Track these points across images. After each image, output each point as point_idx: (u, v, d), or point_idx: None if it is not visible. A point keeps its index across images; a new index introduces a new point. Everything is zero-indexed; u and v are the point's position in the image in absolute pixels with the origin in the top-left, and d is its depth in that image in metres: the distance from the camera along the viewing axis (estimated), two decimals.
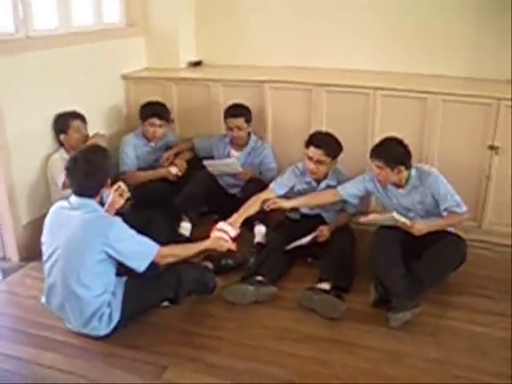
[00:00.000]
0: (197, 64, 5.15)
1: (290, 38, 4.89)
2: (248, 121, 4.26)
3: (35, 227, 3.76)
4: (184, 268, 3.14)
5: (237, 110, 4.26)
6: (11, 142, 3.76)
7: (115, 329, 2.98)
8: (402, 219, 3.30)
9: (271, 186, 3.84)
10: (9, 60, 3.70)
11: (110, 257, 2.90)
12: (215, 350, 2.92)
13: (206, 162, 4.28)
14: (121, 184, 3.35)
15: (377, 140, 4.01)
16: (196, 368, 2.78)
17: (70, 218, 2.93)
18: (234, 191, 4.33)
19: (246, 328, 3.10)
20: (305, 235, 3.69)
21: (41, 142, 4.04)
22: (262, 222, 3.96)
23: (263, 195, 3.78)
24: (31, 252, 3.88)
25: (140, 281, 3.02)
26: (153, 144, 4.48)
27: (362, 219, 3.47)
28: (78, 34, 4.40)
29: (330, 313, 3.14)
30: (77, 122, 4.02)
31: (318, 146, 3.68)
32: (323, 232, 3.66)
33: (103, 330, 2.96)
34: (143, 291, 3.04)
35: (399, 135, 3.53)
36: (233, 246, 3.35)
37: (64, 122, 4.02)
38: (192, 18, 5.15)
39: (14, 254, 3.95)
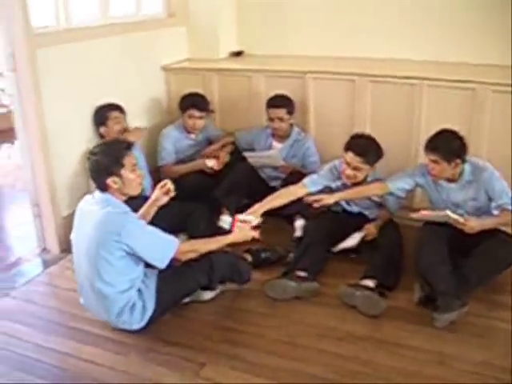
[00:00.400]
0: (238, 54, 5.08)
1: (333, 27, 4.77)
2: (290, 112, 4.17)
3: None
4: (217, 255, 3.07)
5: (279, 101, 4.17)
6: (51, 135, 3.76)
7: (150, 321, 2.94)
8: (456, 217, 3.16)
9: (304, 181, 3.69)
10: (49, 52, 3.69)
11: (130, 253, 2.85)
12: (254, 347, 2.85)
13: (246, 154, 4.22)
14: (167, 182, 3.29)
15: (423, 132, 3.93)
16: (234, 365, 2.72)
17: (91, 214, 2.89)
18: (275, 184, 4.24)
19: (286, 325, 3.03)
20: (346, 228, 3.59)
21: (81, 134, 4.03)
22: (303, 215, 3.87)
23: (293, 188, 3.65)
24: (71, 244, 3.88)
25: (172, 269, 2.96)
26: (193, 136, 4.43)
27: (413, 215, 3.34)
28: (118, 25, 4.38)
29: (370, 310, 3.04)
30: (116, 113, 3.99)
31: (357, 154, 3.52)
32: (370, 230, 3.55)
33: (136, 323, 2.93)
34: (176, 279, 2.99)
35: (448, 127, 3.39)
36: (257, 235, 3.24)
37: (103, 114, 3.99)
38: (234, 7, 5.08)
39: (54, 246, 3.96)
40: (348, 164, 3.56)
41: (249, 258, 3.54)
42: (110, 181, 2.89)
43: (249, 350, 2.84)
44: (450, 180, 3.35)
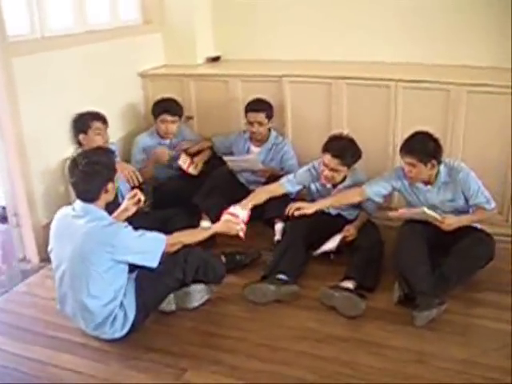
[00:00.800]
0: (215, 59, 5.10)
1: (308, 32, 4.80)
2: (269, 116, 4.19)
3: None
4: (190, 249, 3.09)
5: (258, 105, 4.19)
6: (29, 143, 3.74)
7: (132, 327, 2.94)
8: (433, 214, 3.20)
9: (282, 180, 3.75)
10: (25, 60, 3.68)
11: (120, 262, 2.85)
12: (235, 351, 2.86)
13: (226, 158, 4.23)
14: (137, 192, 3.30)
15: (399, 134, 3.97)
16: (216, 370, 2.72)
17: (74, 226, 2.86)
18: (254, 187, 4.24)
19: (266, 328, 3.04)
20: (325, 230, 3.61)
21: (59, 141, 4.01)
22: (283, 219, 3.88)
23: (271, 187, 3.72)
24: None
25: (148, 270, 2.95)
26: (167, 142, 4.41)
27: (391, 214, 3.37)
28: (94, 33, 4.38)
29: (349, 311, 3.06)
30: (98, 124, 3.94)
31: (334, 156, 3.56)
32: (350, 231, 3.57)
33: (118, 332, 2.92)
34: (154, 278, 2.97)
35: (422, 129, 3.42)
36: (242, 232, 3.28)
37: (85, 122, 3.95)
38: (209, 12, 5.09)
39: (33, 255, 3.94)
40: (326, 165, 3.58)
41: (223, 259, 3.53)
42: (109, 187, 2.91)
43: (230, 354, 2.84)
44: (427, 182, 3.38)
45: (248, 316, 3.15)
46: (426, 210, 3.21)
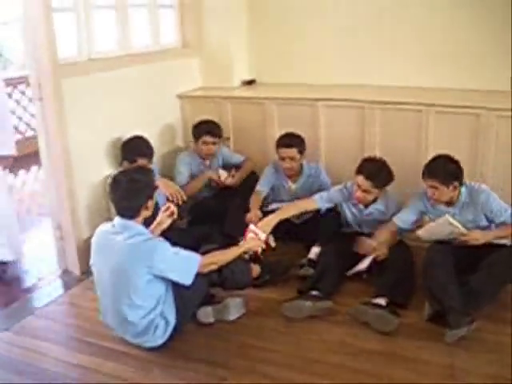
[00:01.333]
0: (250, 83, 5.26)
1: (342, 57, 4.95)
2: (301, 152, 4.24)
3: None
4: None
5: (290, 140, 4.22)
6: (74, 160, 3.93)
7: (174, 331, 3.08)
8: (456, 223, 3.32)
9: (315, 197, 3.95)
10: (73, 81, 3.88)
11: (157, 277, 3.00)
12: (272, 362, 2.97)
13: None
14: (170, 205, 3.46)
15: (430, 157, 4.07)
16: (254, 379, 2.84)
17: (114, 243, 3.02)
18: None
19: (302, 341, 3.15)
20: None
21: (101, 160, 4.22)
22: (320, 244, 3.95)
23: (302, 203, 3.99)
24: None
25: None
26: (207, 162, 4.58)
27: (420, 232, 3.50)
28: (137, 56, 4.59)
29: (383, 327, 3.16)
30: (143, 161, 4.07)
31: (367, 178, 3.70)
32: (381, 251, 3.66)
33: (160, 339, 3.06)
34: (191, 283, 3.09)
35: (452, 152, 3.54)
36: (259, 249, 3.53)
37: (132, 153, 4.10)
38: (244, 38, 5.28)
39: (75, 268, 4.10)
40: (359, 186, 3.73)
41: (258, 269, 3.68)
42: (149, 204, 3.07)
43: (267, 364, 2.95)
44: (449, 203, 3.50)
45: (284, 330, 3.26)
46: (449, 218, 3.34)
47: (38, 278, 4.08)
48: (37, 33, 3.63)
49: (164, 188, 4.03)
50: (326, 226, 3.95)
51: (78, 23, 4.08)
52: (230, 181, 4.46)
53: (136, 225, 3.05)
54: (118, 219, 3.07)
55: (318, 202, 3.93)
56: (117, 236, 3.03)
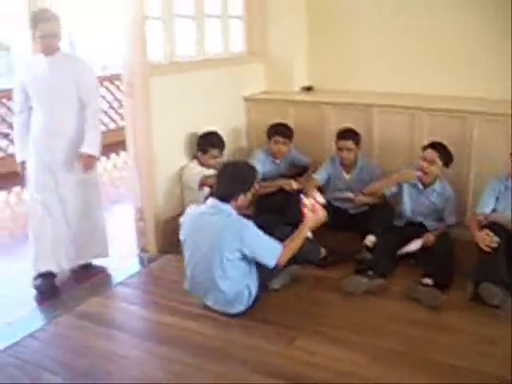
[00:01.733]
0: (309, 89, 5.72)
1: (396, 65, 5.35)
2: (357, 143, 4.72)
3: (170, 225, 4.51)
4: None
5: (347, 133, 4.72)
6: (156, 151, 4.45)
7: (254, 303, 3.57)
8: None
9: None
10: (158, 80, 4.40)
11: (245, 254, 3.49)
12: (335, 325, 3.44)
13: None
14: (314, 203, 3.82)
15: (473, 162, 4.56)
16: (320, 339, 3.30)
17: (210, 222, 3.53)
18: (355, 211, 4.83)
19: (359, 311, 3.61)
20: (409, 240, 4.15)
21: (177, 153, 4.75)
22: (373, 233, 4.39)
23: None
24: (166, 245, 4.56)
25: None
26: (277, 161, 5.06)
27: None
28: (210, 60, 5.10)
29: (431, 301, 3.60)
30: (215, 152, 4.66)
31: (434, 148, 4.21)
32: (429, 238, 4.11)
33: (243, 306, 3.55)
34: None
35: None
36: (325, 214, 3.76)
37: (206, 146, 4.67)
38: (305, 47, 5.74)
39: (152, 247, 4.59)
40: (424, 159, 4.22)
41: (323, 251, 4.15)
42: (240, 197, 3.57)
43: (331, 328, 3.42)
44: None
45: (343, 302, 3.72)
46: None
47: (119, 256, 4.56)
48: (132, 38, 4.17)
49: None
50: (379, 218, 4.39)
51: (163, 30, 4.60)
52: (298, 187, 4.80)
53: (229, 207, 3.55)
54: (214, 201, 3.57)
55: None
56: (213, 216, 3.53)
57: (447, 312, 3.57)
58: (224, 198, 3.55)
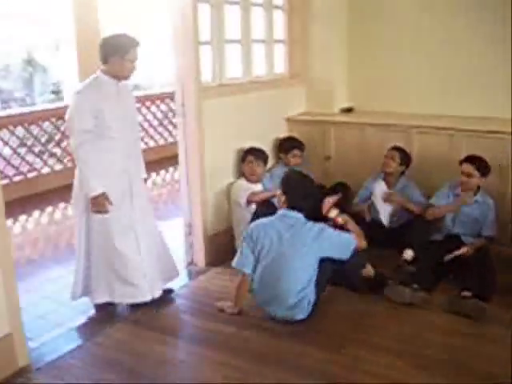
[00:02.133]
0: (349, 110, 5.93)
1: (433, 87, 5.54)
2: (401, 158, 4.90)
3: (218, 239, 4.79)
4: None
5: (395, 147, 4.96)
6: (207, 170, 4.70)
7: (312, 310, 3.77)
8: None
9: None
10: (209, 102, 4.66)
11: (321, 256, 3.74)
12: (383, 335, 3.63)
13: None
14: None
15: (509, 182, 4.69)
16: (367, 348, 3.49)
17: (287, 230, 3.77)
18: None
19: (404, 322, 3.79)
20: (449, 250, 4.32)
21: (226, 170, 5.00)
22: (412, 247, 4.55)
23: None
24: (214, 259, 4.79)
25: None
26: None
27: None
28: (255, 83, 5.35)
29: (476, 313, 3.77)
30: (250, 158, 4.93)
31: (470, 162, 4.44)
32: (467, 250, 4.28)
33: (303, 313, 3.73)
34: (326, 271, 3.79)
35: None
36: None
37: (244, 156, 4.97)
38: (344, 70, 5.97)
39: (200, 260, 4.82)
40: (463, 173, 4.45)
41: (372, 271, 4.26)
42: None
43: (379, 337, 3.61)
44: None
45: (389, 313, 3.90)
46: None
47: None
48: (186, 60, 4.44)
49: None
50: (418, 231, 4.56)
51: (213, 54, 4.87)
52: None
53: (302, 215, 3.83)
54: (292, 213, 3.82)
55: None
56: (291, 228, 3.78)
57: (488, 323, 3.74)
58: (299, 210, 3.82)
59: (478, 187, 4.52)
